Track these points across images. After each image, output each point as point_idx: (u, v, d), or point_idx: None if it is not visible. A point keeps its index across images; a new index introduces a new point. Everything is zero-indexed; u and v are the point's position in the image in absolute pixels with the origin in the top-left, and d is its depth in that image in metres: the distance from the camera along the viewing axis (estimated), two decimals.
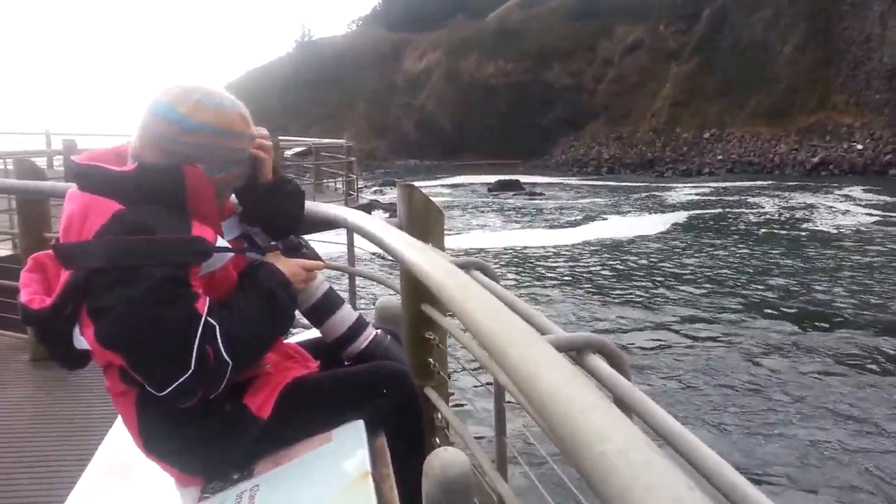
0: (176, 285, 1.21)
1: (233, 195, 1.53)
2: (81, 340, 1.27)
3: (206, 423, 1.36)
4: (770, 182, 40.25)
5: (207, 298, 1.26)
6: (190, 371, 1.19)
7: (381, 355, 1.59)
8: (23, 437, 2.97)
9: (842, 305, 11.21)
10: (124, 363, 1.24)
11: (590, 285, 13.29)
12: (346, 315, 1.58)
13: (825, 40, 50.31)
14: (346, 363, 1.62)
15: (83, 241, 1.23)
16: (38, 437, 2.98)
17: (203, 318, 1.21)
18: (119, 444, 1.67)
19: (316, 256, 1.57)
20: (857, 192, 32.28)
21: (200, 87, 1.37)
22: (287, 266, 1.45)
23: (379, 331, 1.63)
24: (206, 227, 1.32)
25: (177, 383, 1.19)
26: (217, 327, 1.22)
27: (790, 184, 38.15)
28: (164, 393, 1.20)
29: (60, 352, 1.33)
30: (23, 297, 1.28)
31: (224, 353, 1.22)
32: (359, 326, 1.59)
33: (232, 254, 1.37)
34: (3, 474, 2.65)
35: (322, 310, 1.57)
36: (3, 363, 4.04)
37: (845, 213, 24.79)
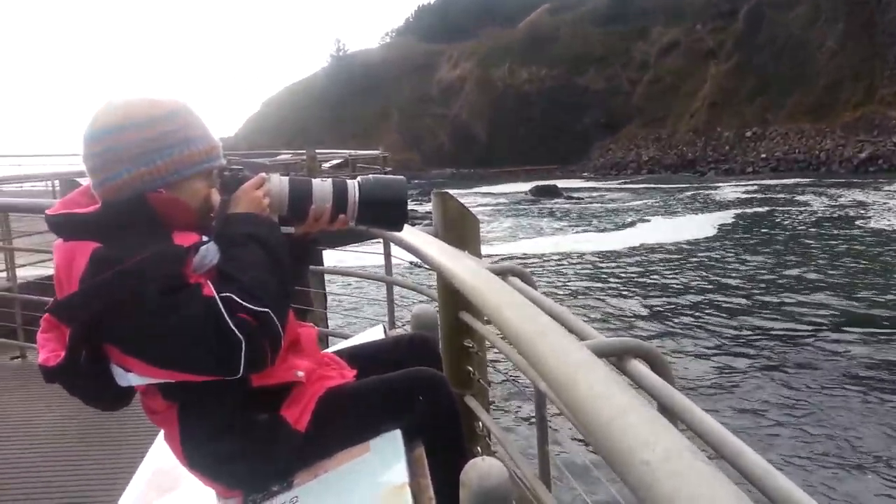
0: (175, 289, 1.21)
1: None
2: (126, 378, 1.28)
3: (246, 437, 1.37)
4: (816, 179, 39.18)
5: (209, 283, 1.25)
6: (242, 342, 1.19)
7: (381, 196, 1.44)
8: (72, 451, 3.04)
9: None
10: (189, 376, 1.25)
11: (632, 290, 13.03)
12: (322, 190, 1.44)
13: (868, 34, 48.94)
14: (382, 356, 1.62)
15: (67, 297, 1.22)
16: (88, 451, 3.04)
17: (216, 297, 1.21)
18: (162, 457, 1.69)
19: (261, 168, 1.48)
20: None
21: (120, 97, 1.31)
22: (239, 203, 1.37)
23: (360, 177, 1.49)
24: (188, 235, 1.30)
25: (242, 359, 1.20)
26: (231, 295, 1.22)
27: (838, 181, 37.07)
28: (240, 374, 1.22)
29: (95, 397, 1.35)
30: (40, 358, 1.28)
31: (256, 308, 1.22)
32: (341, 187, 1.44)
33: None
34: (54, 486, 2.71)
35: (299, 200, 1.43)
36: None
37: None
